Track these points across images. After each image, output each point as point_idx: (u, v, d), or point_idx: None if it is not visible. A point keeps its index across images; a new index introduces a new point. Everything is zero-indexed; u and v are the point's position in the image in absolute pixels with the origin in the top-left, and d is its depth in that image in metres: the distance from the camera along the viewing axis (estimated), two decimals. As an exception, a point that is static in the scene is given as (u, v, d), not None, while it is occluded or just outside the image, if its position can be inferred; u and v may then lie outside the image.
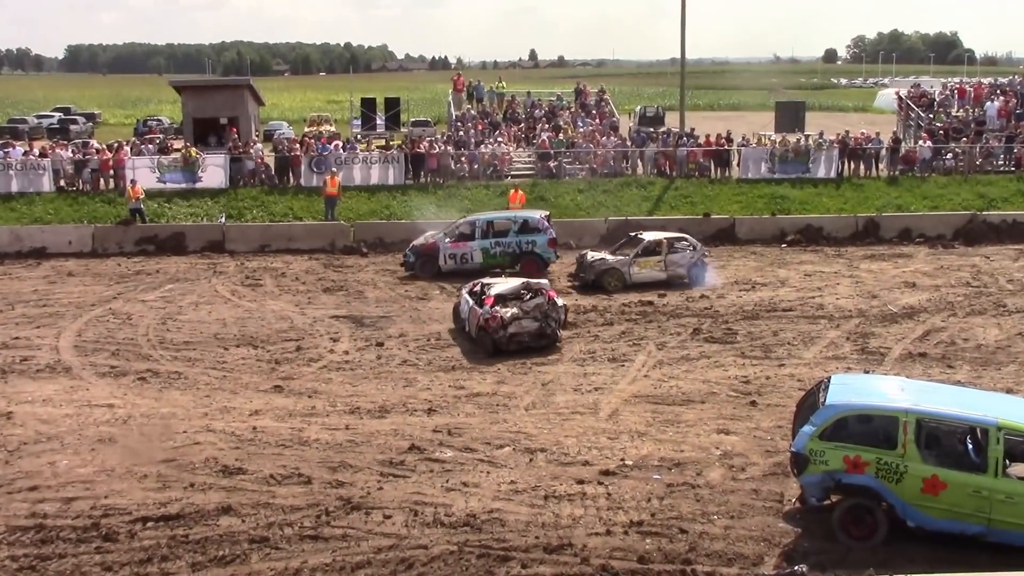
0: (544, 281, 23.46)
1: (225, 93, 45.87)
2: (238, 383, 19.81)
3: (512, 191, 34.97)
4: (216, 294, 27.50)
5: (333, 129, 53.11)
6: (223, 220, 34.36)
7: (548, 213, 30.67)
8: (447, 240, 29.20)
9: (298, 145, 39.29)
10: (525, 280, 23.20)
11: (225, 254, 32.81)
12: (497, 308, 21.45)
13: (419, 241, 29.73)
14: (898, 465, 12.86)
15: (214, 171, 37.35)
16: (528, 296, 22.22)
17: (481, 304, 21.88)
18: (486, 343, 21.33)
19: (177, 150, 40.55)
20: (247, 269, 30.70)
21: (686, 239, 28.87)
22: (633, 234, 29.45)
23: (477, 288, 23.11)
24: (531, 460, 15.74)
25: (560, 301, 22.72)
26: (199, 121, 44.18)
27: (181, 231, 33.69)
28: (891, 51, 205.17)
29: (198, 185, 37.16)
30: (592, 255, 28.49)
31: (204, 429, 17.11)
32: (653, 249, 28.05)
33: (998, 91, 46.93)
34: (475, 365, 20.82)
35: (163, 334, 23.32)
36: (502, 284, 22.97)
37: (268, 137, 50.93)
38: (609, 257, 28.24)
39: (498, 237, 29.11)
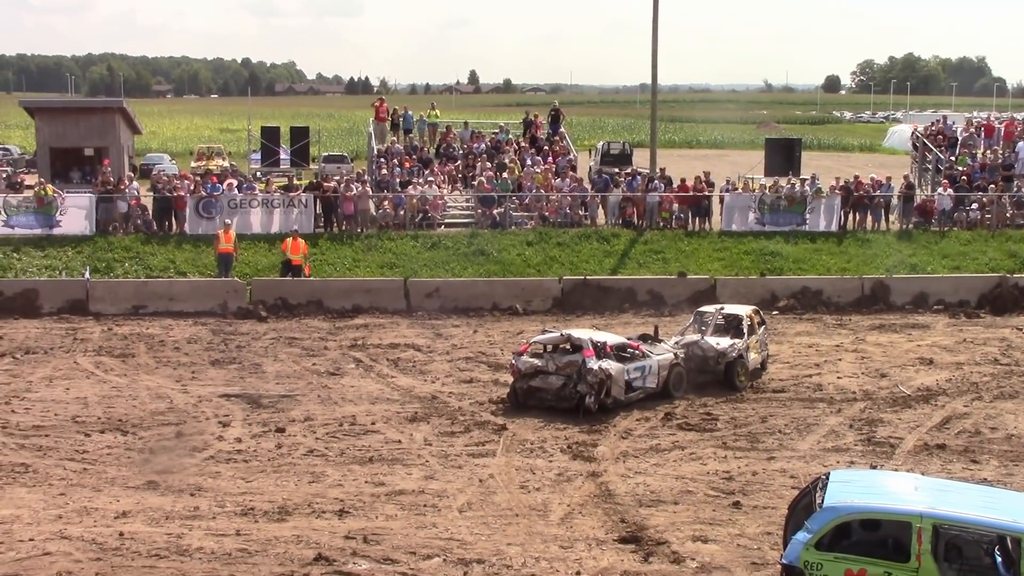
0: (595, 336, 24.84)
1: (92, 118, 45.84)
2: (102, 478, 19.56)
3: (291, 238, 35.16)
4: (76, 366, 27.23)
5: (226, 164, 53.15)
6: (87, 275, 34.13)
7: None
8: None
9: (183, 183, 39.24)
10: (571, 333, 25.00)
11: (89, 317, 32.57)
12: (524, 357, 24.17)
13: None
14: (911, 580, 13.04)
15: (76, 214, 37.19)
16: (566, 351, 24.27)
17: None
18: (511, 392, 24.35)
19: (29, 187, 40.32)
20: (116, 336, 30.49)
21: (759, 311, 28.19)
22: (705, 308, 27.70)
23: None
24: (465, 574, 15.73)
25: (603, 365, 23.45)
26: (58, 151, 43.99)
27: (33, 288, 33.39)
28: (905, 79, 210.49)
29: (56, 231, 36.98)
30: (704, 339, 25.79)
31: (57, 536, 16.85)
32: (752, 328, 26.53)
33: (1033, 129, 47.78)
34: (399, 457, 20.80)
35: (6, 416, 23.03)
36: (549, 333, 25.48)
37: (146, 173, 50.82)
38: (722, 341, 25.79)
39: None
